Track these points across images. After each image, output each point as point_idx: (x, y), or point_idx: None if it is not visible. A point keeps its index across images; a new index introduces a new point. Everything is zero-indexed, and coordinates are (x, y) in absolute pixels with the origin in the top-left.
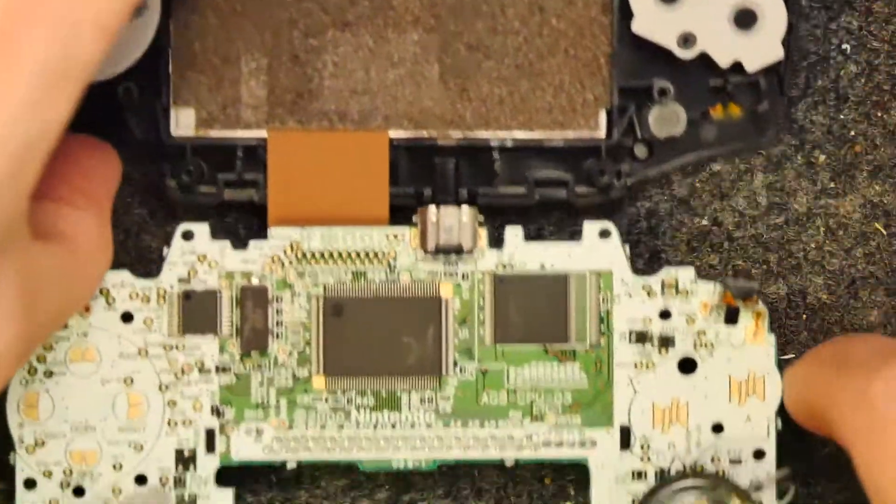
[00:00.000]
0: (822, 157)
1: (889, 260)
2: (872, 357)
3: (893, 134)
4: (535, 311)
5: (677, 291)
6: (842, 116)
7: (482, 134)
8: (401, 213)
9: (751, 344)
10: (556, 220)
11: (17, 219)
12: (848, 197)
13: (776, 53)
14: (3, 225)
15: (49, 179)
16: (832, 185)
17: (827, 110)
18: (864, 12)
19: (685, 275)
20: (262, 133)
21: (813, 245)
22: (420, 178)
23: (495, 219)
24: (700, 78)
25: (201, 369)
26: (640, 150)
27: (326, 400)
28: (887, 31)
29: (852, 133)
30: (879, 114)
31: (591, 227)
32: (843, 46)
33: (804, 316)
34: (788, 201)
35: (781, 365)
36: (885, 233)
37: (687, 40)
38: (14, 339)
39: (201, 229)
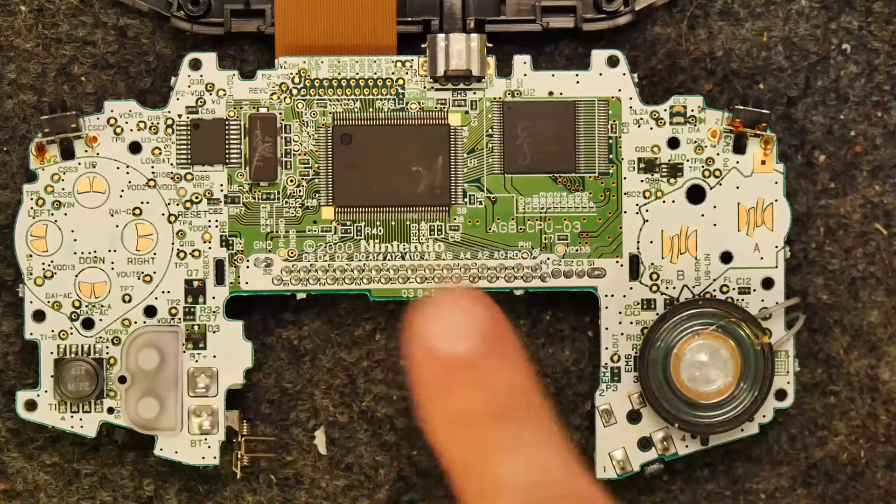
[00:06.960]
0: (822, 157)
1: (889, 260)
2: None
3: (893, 134)
4: (543, 140)
5: (686, 119)
6: (842, 116)
7: None
8: (409, 46)
9: (759, 172)
10: (564, 51)
11: None
12: (848, 197)
13: None
14: None
15: None
16: (832, 185)
17: (827, 110)
18: (864, 12)
19: (694, 102)
20: None
21: (813, 245)
22: (427, 8)
23: (504, 50)
24: None
25: (210, 199)
26: None
27: (335, 230)
28: (887, 31)
29: (852, 133)
30: (879, 114)
31: (599, 55)
32: (843, 46)
33: (804, 316)
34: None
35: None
36: (885, 233)
37: None
38: None
39: (209, 58)
